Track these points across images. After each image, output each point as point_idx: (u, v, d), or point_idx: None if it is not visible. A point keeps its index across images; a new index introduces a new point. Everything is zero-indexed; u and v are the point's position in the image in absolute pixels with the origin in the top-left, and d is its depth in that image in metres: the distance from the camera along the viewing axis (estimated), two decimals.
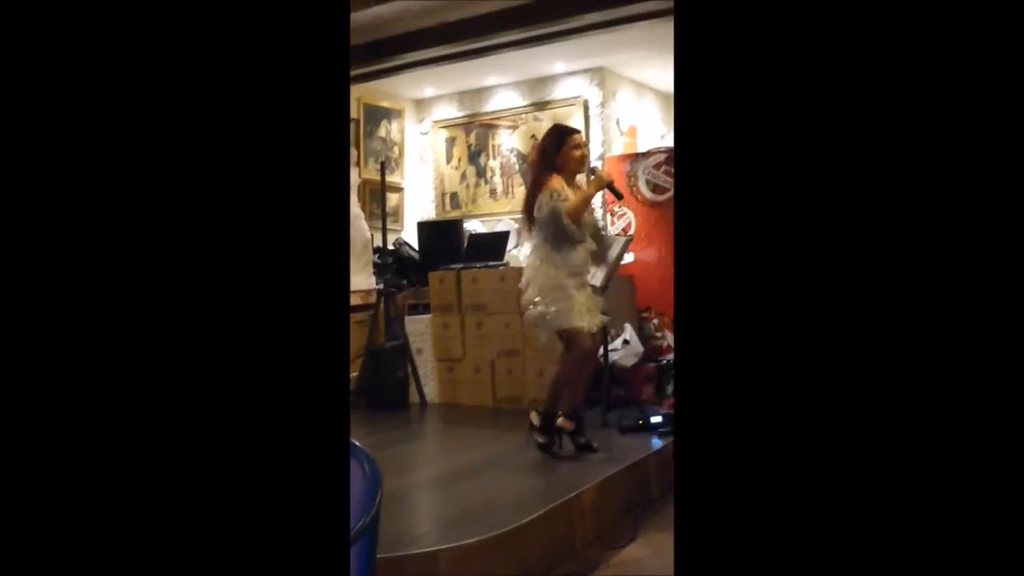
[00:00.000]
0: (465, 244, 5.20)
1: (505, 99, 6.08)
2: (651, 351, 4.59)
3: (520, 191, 4.80)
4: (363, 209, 5.27)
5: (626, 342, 4.31)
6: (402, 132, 6.11)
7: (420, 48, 4.77)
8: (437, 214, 6.34)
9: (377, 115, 5.89)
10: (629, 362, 4.25)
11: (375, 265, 4.95)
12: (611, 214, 5.32)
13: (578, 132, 3.27)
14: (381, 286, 4.68)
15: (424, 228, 5.62)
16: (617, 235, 4.70)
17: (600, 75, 5.66)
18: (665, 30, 4.25)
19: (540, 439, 3.15)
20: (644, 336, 4.67)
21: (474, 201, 6.25)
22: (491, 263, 4.68)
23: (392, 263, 4.80)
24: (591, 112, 5.73)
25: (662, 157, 5.15)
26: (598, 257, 3.40)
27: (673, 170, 4.99)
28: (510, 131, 6.07)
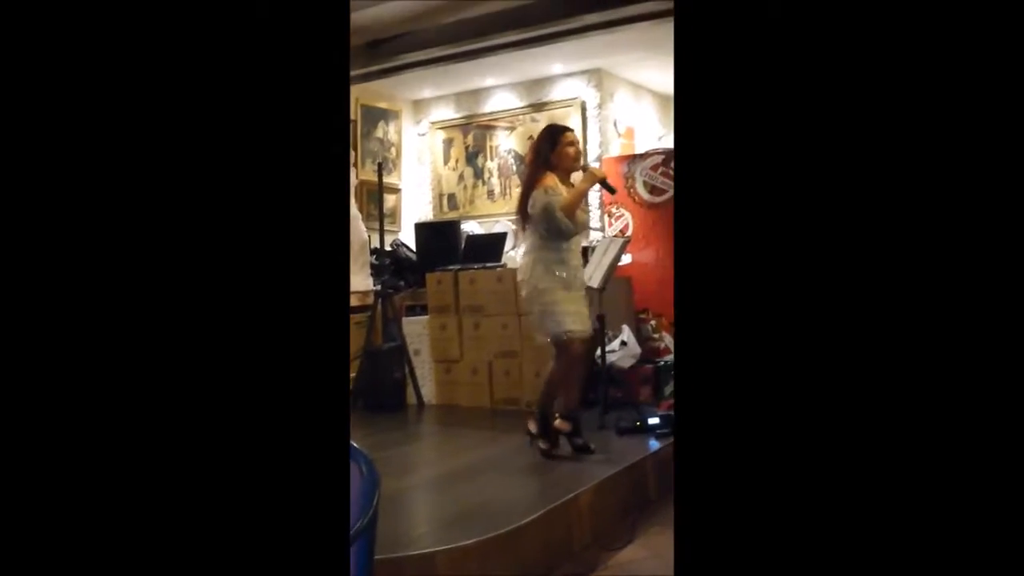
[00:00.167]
0: (462, 245, 5.20)
1: (502, 100, 6.08)
2: (649, 352, 4.60)
3: (518, 192, 4.82)
4: (360, 210, 5.27)
5: (624, 343, 4.31)
6: (399, 133, 6.12)
7: (418, 49, 4.77)
8: (435, 215, 6.35)
9: (374, 116, 5.90)
10: (627, 363, 4.25)
11: (372, 266, 4.95)
12: (609, 215, 5.33)
13: (571, 131, 3.28)
14: (379, 287, 4.68)
15: (421, 229, 5.62)
16: (615, 236, 4.70)
17: (598, 76, 5.66)
18: (662, 31, 4.26)
19: (542, 445, 3.15)
20: (642, 337, 4.67)
21: (471, 202, 6.25)
22: (489, 264, 4.68)
23: (389, 264, 4.80)
24: (588, 113, 5.73)
25: (659, 159, 5.16)
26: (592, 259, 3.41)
27: (671, 171, 5.00)
28: (507, 132, 6.07)
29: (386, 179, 5.24)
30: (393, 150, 6.05)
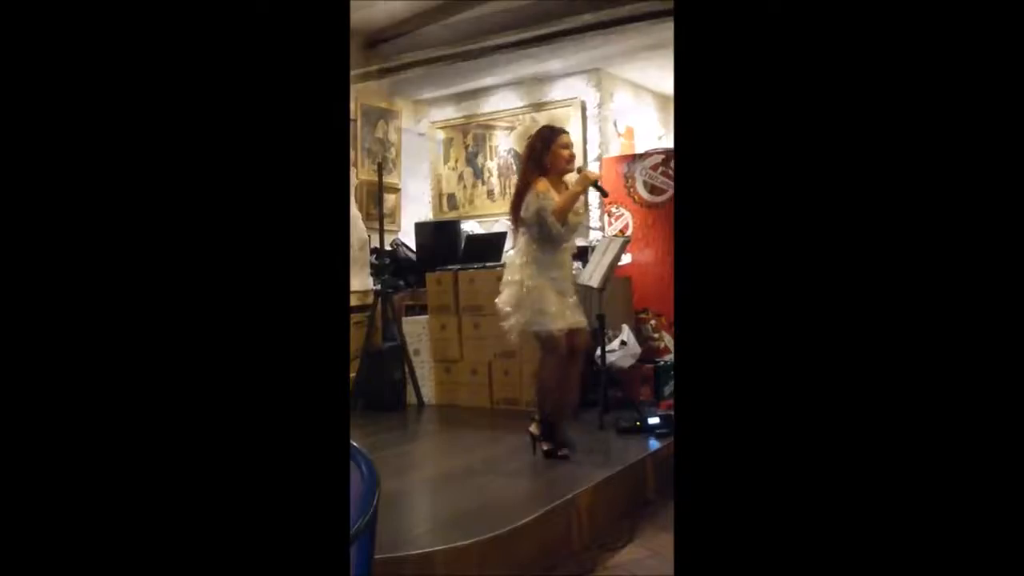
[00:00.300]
0: (462, 245, 5.20)
1: (502, 100, 6.07)
2: (648, 352, 4.60)
3: None
4: (360, 210, 5.27)
5: (623, 343, 4.31)
6: (399, 133, 6.11)
7: (417, 49, 4.77)
8: (434, 215, 6.34)
9: (374, 116, 5.89)
10: (626, 363, 4.25)
11: (372, 266, 4.95)
12: (608, 215, 5.33)
13: (566, 133, 3.26)
14: (378, 287, 4.68)
15: (421, 229, 5.62)
16: (615, 236, 4.70)
17: (597, 76, 5.65)
18: (661, 31, 4.26)
19: (545, 447, 3.15)
20: (641, 337, 4.67)
21: (471, 202, 6.25)
22: (488, 264, 4.68)
23: (389, 264, 4.80)
24: (588, 113, 5.72)
25: (659, 158, 5.15)
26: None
27: (671, 171, 5.00)
28: (507, 132, 6.07)
29: (386, 179, 5.23)
30: (392, 150, 6.04)
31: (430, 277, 4.72)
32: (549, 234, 3.04)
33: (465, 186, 6.28)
